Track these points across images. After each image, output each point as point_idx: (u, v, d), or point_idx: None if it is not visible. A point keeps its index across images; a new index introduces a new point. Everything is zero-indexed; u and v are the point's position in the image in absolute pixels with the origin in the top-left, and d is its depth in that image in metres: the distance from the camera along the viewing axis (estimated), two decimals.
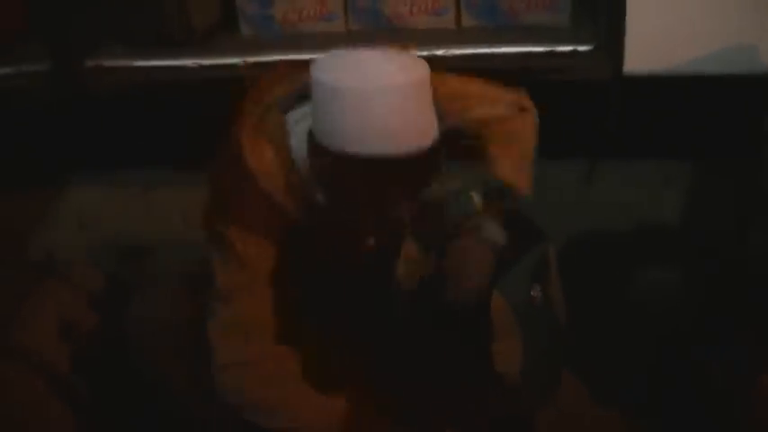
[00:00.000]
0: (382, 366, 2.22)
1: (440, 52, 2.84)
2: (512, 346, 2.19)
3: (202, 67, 2.92)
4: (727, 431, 2.50)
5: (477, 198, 2.11)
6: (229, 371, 2.06)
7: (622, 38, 2.71)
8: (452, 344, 2.18)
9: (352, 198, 1.91)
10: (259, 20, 3.05)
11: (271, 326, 2.06)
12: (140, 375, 2.71)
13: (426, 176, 1.90)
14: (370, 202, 1.91)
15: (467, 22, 3.00)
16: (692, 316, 2.85)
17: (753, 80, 2.72)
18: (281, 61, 2.85)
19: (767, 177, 2.77)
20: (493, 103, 2.21)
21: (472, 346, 2.17)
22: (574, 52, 2.82)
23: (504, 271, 2.14)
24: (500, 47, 2.84)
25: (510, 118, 2.22)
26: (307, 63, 1.92)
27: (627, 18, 2.69)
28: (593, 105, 2.83)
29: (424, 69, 1.84)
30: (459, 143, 2.09)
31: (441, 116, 1.90)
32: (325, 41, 2.95)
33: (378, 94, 1.77)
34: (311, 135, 1.89)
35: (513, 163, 2.20)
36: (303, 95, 1.94)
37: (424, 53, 2.82)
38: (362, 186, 1.87)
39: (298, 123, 1.97)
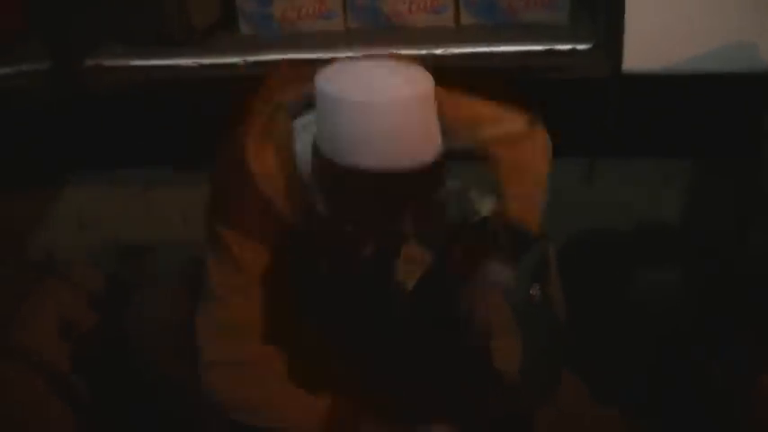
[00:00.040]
0: (381, 367, 2.22)
1: (438, 51, 2.84)
2: (511, 345, 2.19)
3: (202, 67, 2.92)
4: (727, 431, 2.51)
5: (476, 198, 2.11)
6: (216, 370, 2.06)
7: (621, 36, 2.70)
8: (451, 344, 2.18)
9: (354, 210, 1.90)
10: (258, 18, 3.04)
11: (261, 328, 2.06)
12: (140, 375, 2.71)
13: (429, 190, 1.89)
14: (372, 215, 1.90)
15: (465, 20, 2.99)
16: (691, 316, 2.85)
17: (752, 78, 2.71)
18: (284, 61, 2.85)
19: (767, 176, 2.77)
20: (504, 125, 2.20)
21: (471, 346, 2.17)
22: (572, 50, 2.81)
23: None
24: (499, 45, 2.83)
25: (521, 142, 2.22)
26: (314, 64, 1.92)
27: (626, 16, 2.68)
28: (592, 104, 2.83)
29: (428, 83, 1.82)
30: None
31: (451, 137, 1.89)
32: (324, 40, 2.96)
33: (382, 108, 1.76)
34: (315, 145, 1.88)
35: (525, 201, 2.22)
36: (312, 103, 1.93)
37: (423, 51, 2.83)
38: (364, 199, 1.86)
39: (305, 129, 1.96)
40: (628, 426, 2.65)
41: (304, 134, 1.95)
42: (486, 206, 2.10)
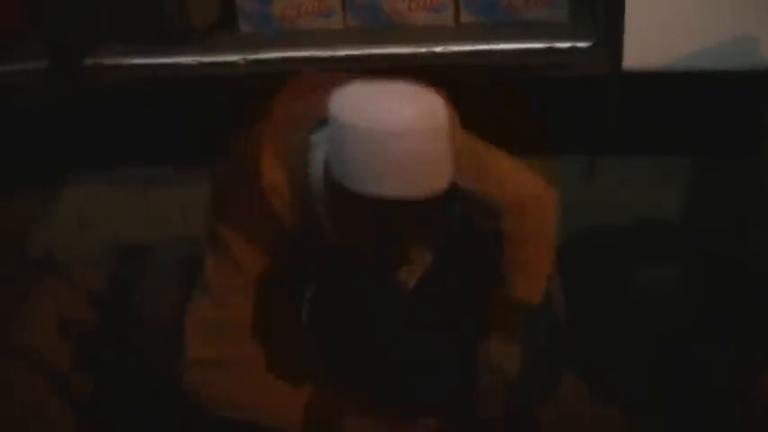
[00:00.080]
0: (380, 366, 2.22)
1: (438, 49, 2.84)
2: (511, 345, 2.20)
3: (202, 65, 2.92)
4: (727, 431, 2.50)
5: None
6: (199, 368, 2.05)
7: (621, 34, 2.70)
8: (451, 344, 2.18)
9: (360, 231, 1.88)
10: (258, 17, 3.04)
11: (250, 329, 2.06)
12: (140, 375, 2.71)
13: (438, 219, 1.87)
14: (379, 240, 1.88)
15: (465, 18, 2.99)
16: (691, 314, 2.85)
17: (752, 76, 2.71)
18: (301, 64, 2.84)
19: (767, 174, 2.77)
20: (517, 186, 2.18)
21: (471, 346, 2.18)
22: (573, 48, 2.81)
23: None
24: (498, 43, 2.83)
25: (532, 206, 2.20)
26: (337, 73, 1.92)
27: (626, 14, 2.68)
28: (592, 102, 2.83)
29: (442, 113, 1.78)
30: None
31: (462, 180, 1.88)
32: (324, 38, 2.96)
33: (393, 138, 1.72)
34: (327, 167, 1.86)
35: (530, 277, 2.21)
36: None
37: (423, 50, 2.83)
38: (372, 225, 1.83)
39: (320, 145, 1.93)
40: (628, 425, 2.64)
41: (319, 150, 1.93)
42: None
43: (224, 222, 2.01)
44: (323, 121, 1.88)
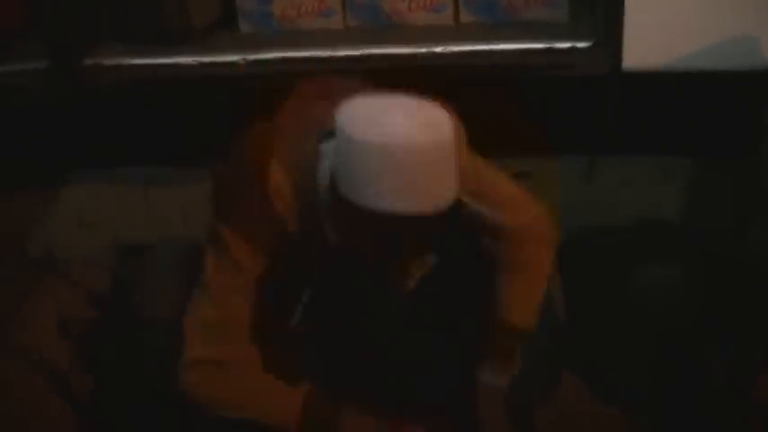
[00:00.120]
0: (380, 366, 2.22)
1: (438, 49, 2.84)
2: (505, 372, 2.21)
3: (202, 65, 2.92)
4: (727, 430, 2.50)
5: None
6: (198, 369, 2.05)
7: (621, 34, 2.70)
8: (451, 344, 2.18)
9: (363, 241, 1.87)
10: (258, 17, 3.04)
11: (251, 330, 2.06)
12: (140, 375, 2.71)
13: (441, 234, 1.86)
14: (382, 254, 1.87)
15: (465, 18, 2.99)
16: (691, 314, 2.85)
17: (752, 76, 2.71)
18: (301, 63, 2.84)
19: (767, 174, 2.77)
20: (517, 213, 2.18)
21: (471, 346, 2.18)
22: (572, 48, 2.81)
23: None
24: (498, 43, 2.83)
25: (529, 235, 2.19)
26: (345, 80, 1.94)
27: (626, 14, 2.68)
28: (592, 101, 2.83)
29: (448, 129, 1.77)
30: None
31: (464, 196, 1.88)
32: (324, 38, 2.96)
33: (403, 155, 1.72)
34: (333, 179, 1.85)
35: (524, 305, 2.21)
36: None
37: (423, 50, 2.83)
38: (376, 240, 1.83)
39: (328, 155, 1.93)
40: (628, 424, 2.65)
41: (327, 160, 1.92)
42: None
43: (225, 222, 2.01)
44: (332, 132, 1.86)
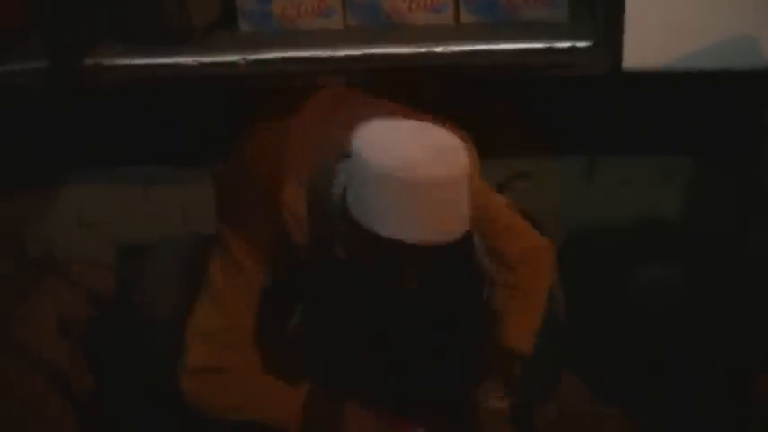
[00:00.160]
0: (380, 366, 2.22)
1: (438, 49, 2.83)
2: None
3: (202, 65, 2.91)
4: (727, 430, 2.51)
5: None
6: (199, 376, 2.05)
7: (621, 34, 2.69)
8: (451, 344, 2.18)
9: (371, 264, 1.87)
10: (258, 16, 3.04)
11: (250, 336, 2.06)
12: (140, 374, 2.71)
13: (450, 263, 1.86)
14: (390, 279, 1.87)
15: (465, 18, 2.98)
16: (691, 314, 2.85)
17: (752, 76, 2.71)
18: (301, 62, 2.84)
19: (767, 174, 2.77)
20: (518, 239, 2.18)
21: (471, 346, 2.17)
22: (572, 48, 2.80)
23: None
24: (498, 43, 2.82)
25: (529, 261, 2.20)
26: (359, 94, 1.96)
27: (626, 14, 2.68)
28: (592, 101, 2.82)
29: (464, 162, 1.78)
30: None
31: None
32: (324, 37, 2.95)
33: (418, 186, 1.72)
34: (344, 201, 1.85)
35: (523, 330, 2.23)
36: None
37: (423, 50, 2.83)
38: (384, 265, 1.83)
39: (341, 175, 1.92)
40: (628, 424, 2.65)
41: (341, 179, 1.91)
42: None
43: (226, 223, 2.02)
44: (349, 154, 1.86)
